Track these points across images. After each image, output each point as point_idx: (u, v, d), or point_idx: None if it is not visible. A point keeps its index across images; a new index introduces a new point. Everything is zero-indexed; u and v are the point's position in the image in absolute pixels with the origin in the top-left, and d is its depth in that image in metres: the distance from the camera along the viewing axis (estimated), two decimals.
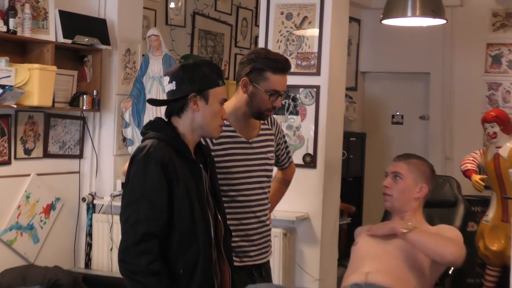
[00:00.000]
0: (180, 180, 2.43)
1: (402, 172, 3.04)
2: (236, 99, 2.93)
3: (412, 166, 3.06)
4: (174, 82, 2.52)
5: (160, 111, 4.85)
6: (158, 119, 2.61)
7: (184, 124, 2.53)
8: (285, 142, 3.20)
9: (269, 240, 3.06)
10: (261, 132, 3.01)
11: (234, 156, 2.90)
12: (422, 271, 2.88)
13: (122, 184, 3.99)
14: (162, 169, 2.40)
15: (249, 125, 2.97)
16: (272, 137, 3.07)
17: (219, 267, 2.60)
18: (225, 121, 2.88)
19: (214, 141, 2.87)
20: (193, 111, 2.52)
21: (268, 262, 3.09)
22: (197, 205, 2.48)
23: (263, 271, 3.02)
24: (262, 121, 3.03)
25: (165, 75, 2.58)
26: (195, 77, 2.51)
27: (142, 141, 2.53)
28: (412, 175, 3.04)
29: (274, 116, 3.12)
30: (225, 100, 2.56)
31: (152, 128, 2.55)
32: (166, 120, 2.58)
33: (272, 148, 3.05)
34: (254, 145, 2.96)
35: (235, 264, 2.83)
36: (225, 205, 2.85)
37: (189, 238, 2.46)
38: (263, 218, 2.99)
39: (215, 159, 2.85)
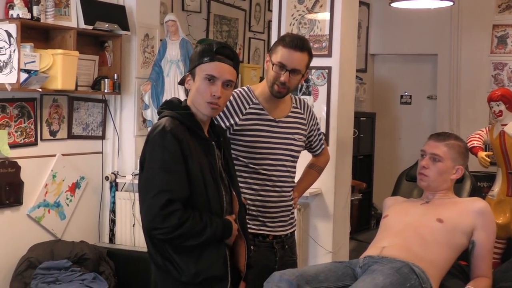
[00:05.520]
0: (193, 156, 2.42)
1: (442, 154, 2.96)
2: (265, 79, 2.96)
3: (451, 148, 2.98)
4: None
5: (178, 93, 4.86)
6: (173, 99, 2.61)
7: (191, 103, 2.55)
8: (319, 129, 3.17)
9: (290, 215, 3.04)
10: (290, 114, 3.01)
11: (259, 131, 2.92)
12: (452, 250, 2.82)
13: None
14: (178, 143, 2.40)
15: (278, 106, 2.98)
16: (303, 121, 3.06)
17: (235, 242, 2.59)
18: (253, 99, 2.94)
19: (242, 116, 2.90)
20: (188, 90, 2.55)
21: (291, 236, 3.07)
22: (211, 179, 2.46)
23: (286, 245, 3.01)
24: (294, 105, 3.04)
25: None
26: (191, 59, 2.55)
27: (158, 119, 2.53)
28: (451, 157, 2.97)
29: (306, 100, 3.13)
30: (212, 76, 2.46)
31: (167, 107, 2.55)
32: (182, 99, 2.60)
33: (301, 131, 3.03)
34: (281, 124, 2.97)
35: (253, 231, 2.84)
36: (246, 175, 2.87)
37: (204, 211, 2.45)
38: (284, 194, 2.98)
39: (241, 132, 2.89)
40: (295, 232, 3.12)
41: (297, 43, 2.86)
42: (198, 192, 2.43)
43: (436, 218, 2.86)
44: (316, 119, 3.16)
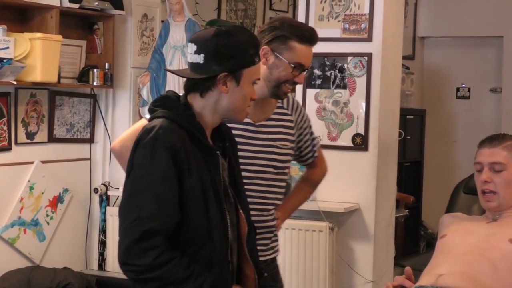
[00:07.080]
0: (192, 170, 2.34)
1: (503, 160, 2.89)
2: (264, 77, 2.88)
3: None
4: (202, 55, 2.41)
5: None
6: (170, 94, 2.52)
7: (205, 104, 2.44)
8: (312, 133, 3.15)
9: (272, 238, 3.03)
10: (273, 116, 2.99)
11: (236, 138, 2.83)
12: None
13: None
14: (172, 156, 2.32)
15: (261, 106, 2.95)
16: (290, 124, 3.03)
17: (243, 271, 2.53)
18: None
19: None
20: (220, 92, 2.45)
21: (272, 262, 3.06)
22: (213, 199, 2.39)
23: (264, 272, 2.87)
24: (279, 104, 3.00)
25: (191, 41, 2.46)
26: (229, 52, 2.40)
27: (150, 119, 2.44)
28: None
29: (296, 98, 3.10)
30: (258, 79, 2.50)
31: (162, 104, 2.48)
32: (180, 94, 2.51)
33: (286, 136, 3.01)
34: (261, 129, 2.94)
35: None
36: None
37: (203, 238, 2.39)
38: (265, 213, 2.97)
39: None
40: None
41: (314, 36, 2.90)
42: (197, 215, 2.36)
43: (509, 238, 2.82)
44: (309, 121, 3.13)
